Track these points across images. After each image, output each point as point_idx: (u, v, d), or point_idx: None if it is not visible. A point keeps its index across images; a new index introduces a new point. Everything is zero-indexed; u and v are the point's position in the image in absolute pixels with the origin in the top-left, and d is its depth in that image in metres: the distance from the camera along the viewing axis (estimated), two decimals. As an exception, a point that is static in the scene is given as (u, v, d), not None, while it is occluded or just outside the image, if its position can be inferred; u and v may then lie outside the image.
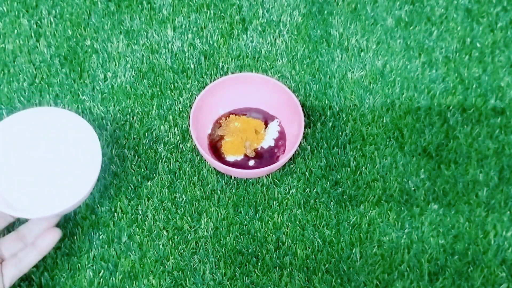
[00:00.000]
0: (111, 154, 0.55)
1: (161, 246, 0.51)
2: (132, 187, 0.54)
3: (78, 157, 0.48)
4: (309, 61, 0.62)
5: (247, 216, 0.52)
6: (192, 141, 0.56)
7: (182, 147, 0.56)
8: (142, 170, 0.54)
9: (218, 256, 0.51)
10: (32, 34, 0.63)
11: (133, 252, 0.50)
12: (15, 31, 0.63)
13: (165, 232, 0.51)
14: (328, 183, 0.54)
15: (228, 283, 0.49)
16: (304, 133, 0.54)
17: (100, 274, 0.49)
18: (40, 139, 0.48)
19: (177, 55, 0.62)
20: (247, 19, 0.65)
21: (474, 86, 0.60)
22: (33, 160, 0.48)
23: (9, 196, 0.46)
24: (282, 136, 0.56)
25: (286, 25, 0.64)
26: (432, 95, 0.60)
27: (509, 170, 0.55)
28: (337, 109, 0.59)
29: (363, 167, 0.55)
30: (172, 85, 0.60)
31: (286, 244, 0.51)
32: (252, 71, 0.61)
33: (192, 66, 0.61)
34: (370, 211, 0.53)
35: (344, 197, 0.54)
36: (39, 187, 0.47)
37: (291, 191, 0.54)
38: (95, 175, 0.45)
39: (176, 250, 0.51)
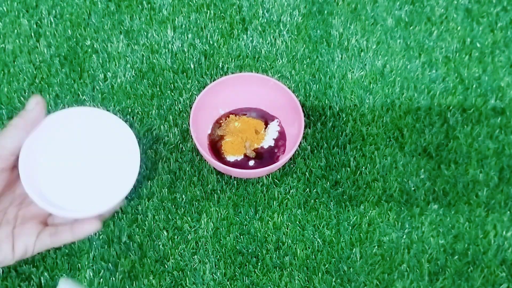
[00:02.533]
0: (111, 154, 0.55)
1: (161, 246, 0.51)
2: (132, 187, 0.53)
3: (117, 158, 0.47)
4: (309, 61, 0.62)
5: (247, 216, 0.52)
6: (192, 141, 0.56)
7: (182, 147, 0.56)
8: (142, 170, 0.54)
9: (218, 256, 0.51)
10: (32, 34, 0.63)
11: (133, 252, 0.50)
12: (15, 31, 0.63)
13: (165, 232, 0.51)
14: (328, 183, 0.54)
15: (228, 283, 0.49)
16: (304, 133, 0.54)
17: (100, 274, 0.49)
18: (80, 139, 0.47)
19: (177, 55, 0.62)
20: (247, 19, 0.65)
21: (474, 86, 0.60)
22: (73, 160, 0.46)
23: (50, 195, 0.45)
24: (282, 136, 0.56)
25: (286, 25, 0.64)
26: (432, 95, 0.60)
27: (509, 170, 0.55)
28: (337, 109, 0.59)
29: (363, 167, 0.55)
30: (172, 85, 0.60)
31: (286, 244, 0.51)
32: (252, 71, 0.61)
33: (192, 66, 0.61)
34: (370, 211, 0.53)
35: (344, 197, 0.54)
36: (80, 186, 0.46)
37: (291, 191, 0.54)
38: (134, 176, 0.45)
39: (176, 250, 0.51)
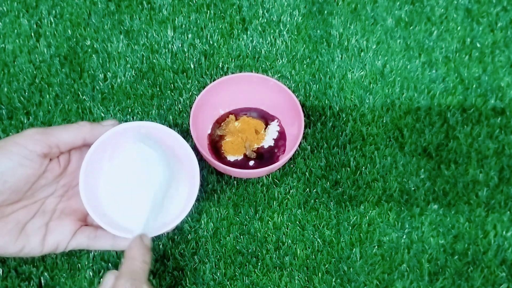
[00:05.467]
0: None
1: (161, 246, 0.51)
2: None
3: (176, 177, 0.47)
4: (309, 61, 0.62)
5: (247, 216, 0.52)
6: (192, 141, 0.56)
7: (182, 147, 0.56)
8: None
9: (218, 256, 0.51)
10: (32, 34, 0.63)
11: (133, 252, 0.50)
12: (15, 31, 0.63)
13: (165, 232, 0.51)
14: (328, 183, 0.54)
15: (228, 283, 0.49)
16: (304, 133, 0.54)
17: (100, 274, 0.49)
18: (139, 156, 0.46)
19: (177, 55, 0.62)
20: (247, 19, 0.65)
21: (474, 86, 0.60)
22: (133, 178, 0.46)
23: (114, 215, 0.45)
24: (282, 136, 0.56)
25: (286, 25, 0.64)
26: (432, 95, 0.60)
27: (509, 170, 0.55)
28: (337, 109, 0.59)
29: (363, 167, 0.55)
30: (172, 85, 0.60)
31: (286, 244, 0.51)
32: (252, 71, 0.61)
33: (192, 66, 0.61)
34: (370, 211, 0.53)
35: (344, 197, 0.54)
36: (139, 206, 0.45)
37: (291, 191, 0.54)
38: (193, 198, 0.44)
39: (176, 250, 0.51)
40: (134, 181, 0.46)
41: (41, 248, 0.42)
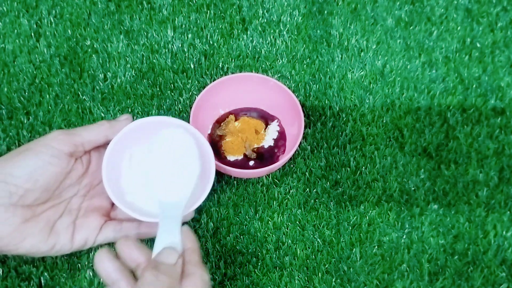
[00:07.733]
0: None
1: (161, 246, 0.51)
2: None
3: (193, 167, 0.48)
4: (309, 61, 0.62)
5: (247, 216, 0.52)
6: (192, 141, 0.56)
7: (182, 147, 0.56)
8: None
9: (218, 256, 0.51)
10: (32, 34, 0.63)
11: (133, 252, 0.50)
12: (15, 31, 0.63)
13: (165, 232, 0.51)
14: (328, 183, 0.54)
15: (228, 283, 0.49)
16: (304, 133, 0.54)
17: (100, 274, 0.49)
18: (158, 147, 0.47)
19: (177, 55, 0.62)
20: (247, 19, 0.65)
21: (474, 86, 0.60)
22: (152, 167, 0.47)
23: (133, 200, 0.47)
24: (282, 136, 0.56)
25: (286, 25, 0.64)
26: (432, 95, 0.60)
27: (509, 170, 0.55)
28: (337, 109, 0.59)
29: (363, 167, 0.55)
30: (172, 85, 0.60)
31: (286, 244, 0.51)
32: (252, 71, 0.61)
33: (192, 66, 0.61)
34: (370, 211, 0.53)
35: (344, 197, 0.54)
36: (158, 191, 0.46)
37: (291, 191, 0.54)
38: (209, 186, 0.46)
39: (176, 250, 0.51)
40: (168, 164, 0.46)
41: (71, 245, 0.44)
